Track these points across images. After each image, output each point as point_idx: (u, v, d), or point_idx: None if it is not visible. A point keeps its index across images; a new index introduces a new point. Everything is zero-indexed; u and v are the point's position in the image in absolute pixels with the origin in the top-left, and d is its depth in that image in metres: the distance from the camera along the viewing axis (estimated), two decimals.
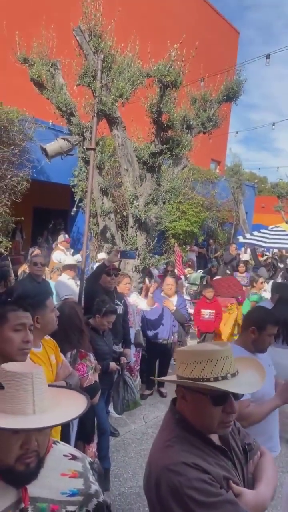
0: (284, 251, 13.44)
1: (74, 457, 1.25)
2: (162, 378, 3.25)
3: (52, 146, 5.06)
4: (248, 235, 11.03)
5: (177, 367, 1.34)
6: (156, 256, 7.89)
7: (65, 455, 1.24)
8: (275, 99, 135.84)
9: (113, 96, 5.55)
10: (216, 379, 1.22)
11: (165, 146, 5.61)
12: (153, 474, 1.21)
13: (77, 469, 1.21)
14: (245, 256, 13.28)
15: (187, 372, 1.25)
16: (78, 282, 4.95)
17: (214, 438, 1.32)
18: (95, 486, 1.21)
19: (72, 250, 8.65)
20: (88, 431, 2.97)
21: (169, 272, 7.23)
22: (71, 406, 1.18)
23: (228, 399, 1.25)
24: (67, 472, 1.19)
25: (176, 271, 7.98)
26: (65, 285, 5.18)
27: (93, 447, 3.01)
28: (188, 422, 1.28)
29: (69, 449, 1.30)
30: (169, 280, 5.37)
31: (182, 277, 8.13)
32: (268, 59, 5.76)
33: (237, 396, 1.28)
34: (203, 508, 1.10)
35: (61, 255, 7.37)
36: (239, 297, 6.92)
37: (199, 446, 1.24)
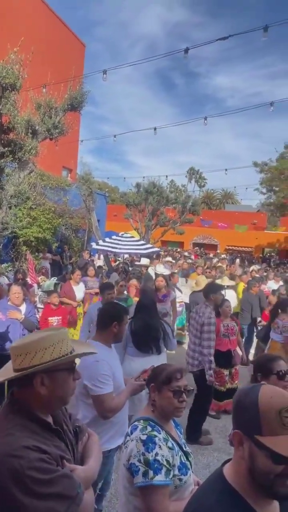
0: (134, 256, 14.45)
1: None
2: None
3: None
4: (100, 242, 11.43)
5: (19, 361, 1.39)
6: (5, 263, 7.47)
7: None
8: (123, 113, 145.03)
9: None
10: (70, 353, 1.46)
11: (6, 149, 5.41)
12: None
13: None
14: (99, 262, 13.74)
15: (44, 357, 1.38)
16: None
17: (50, 421, 1.45)
18: None
19: None
20: None
21: (19, 280, 6.95)
22: None
23: (75, 369, 1.51)
24: None
25: (28, 279, 7.72)
26: None
27: None
28: (29, 410, 1.37)
29: None
30: (15, 288, 5.14)
31: (35, 285, 7.92)
32: (105, 75, 6.14)
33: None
34: (43, 485, 1.18)
35: None
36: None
37: (38, 431, 1.34)
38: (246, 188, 64.04)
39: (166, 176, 19.08)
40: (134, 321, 3.92)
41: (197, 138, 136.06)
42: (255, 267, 12.99)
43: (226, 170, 18.19)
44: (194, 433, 4.36)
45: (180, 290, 8.66)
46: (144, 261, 10.45)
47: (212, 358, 4.28)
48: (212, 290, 4.66)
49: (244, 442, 1.09)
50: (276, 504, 1.13)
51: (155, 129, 11.78)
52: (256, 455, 1.06)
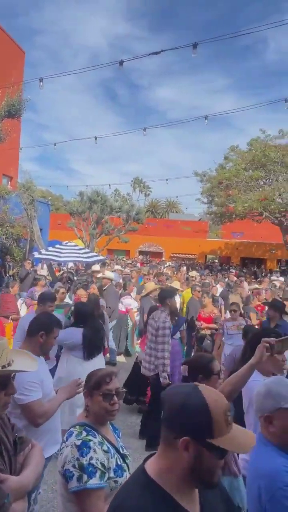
0: (80, 265, 14.28)
1: None
2: None
3: None
4: (43, 251, 11.17)
5: None
6: None
7: None
8: (66, 122, 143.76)
9: None
10: (8, 365, 1.50)
11: None
12: None
13: None
14: (43, 271, 13.39)
15: None
16: None
17: None
18: None
19: None
20: None
21: None
22: None
23: (9, 383, 1.55)
24: None
25: None
26: None
27: None
28: None
29: None
30: None
31: None
32: (41, 83, 6.11)
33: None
34: None
35: None
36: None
37: None
38: (187, 208, 66.20)
39: (109, 185, 19.18)
40: (87, 329, 4.04)
41: (142, 148, 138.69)
42: (192, 273, 13.45)
43: (167, 180, 18.65)
44: (155, 439, 4.43)
45: (134, 300, 8.71)
46: (95, 267, 10.38)
47: (166, 361, 4.38)
48: (168, 295, 4.79)
49: (191, 447, 1.09)
50: (196, 493, 1.20)
51: (95, 138, 11.85)
52: (205, 457, 1.09)
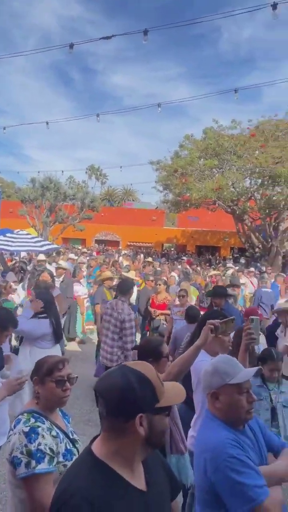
0: (33, 254, 13.89)
1: None
2: None
3: None
4: None
5: None
6: None
7: None
8: (17, 106, 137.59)
9: None
10: None
11: None
12: None
13: None
14: None
15: None
16: None
17: None
18: None
19: None
20: None
21: None
22: None
23: None
24: None
25: None
26: None
27: None
28: None
29: None
30: None
31: None
32: None
33: None
34: None
35: None
36: None
37: None
38: (142, 194, 66.32)
39: (62, 171, 18.69)
40: (52, 317, 4.15)
41: (96, 135, 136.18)
42: (149, 259, 13.64)
43: (121, 167, 18.50)
44: None
45: (83, 286, 8.70)
46: (41, 257, 10.17)
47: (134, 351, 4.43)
48: (129, 286, 4.89)
49: (144, 420, 1.14)
50: (141, 470, 1.24)
51: (47, 123, 11.47)
52: (155, 422, 1.17)
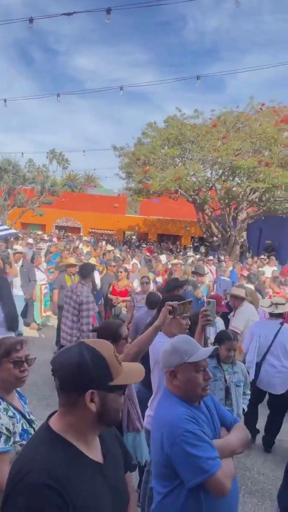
0: None
1: None
2: None
3: None
4: None
5: None
6: None
7: None
8: None
9: None
10: None
11: None
12: None
13: None
14: None
15: None
16: None
17: None
18: None
19: None
20: None
21: None
22: None
23: None
24: None
25: None
26: None
27: None
28: None
29: None
30: None
31: None
32: None
33: None
34: None
35: None
36: None
37: None
38: (106, 177, 65.54)
39: (22, 154, 18.02)
40: (6, 304, 4.06)
41: (58, 118, 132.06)
42: (109, 247, 13.65)
43: (84, 151, 18.14)
44: None
45: (42, 271, 8.54)
46: None
47: (92, 334, 4.42)
48: (90, 270, 5.02)
49: (96, 396, 1.17)
50: (98, 444, 1.28)
51: (5, 100, 10.96)
52: (110, 399, 1.19)
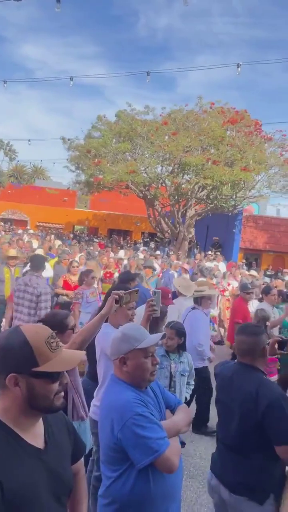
0: None
1: None
2: None
3: None
4: None
5: None
6: None
7: None
8: None
9: None
10: None
11: None
12: None
13: None
14: None
15: None
16: None
17: None
18: None
19: None
20: None
21: None
22: None
23: None
24: None
25: None
26: None
27: None
28: None
29: None
30: None
31: None
32: None
33: None
34: None
35: None
36: None
37: None
38: (54, 163, 63.71)
39: None
40: None
41: (5, 107, 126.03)
42: (57, 242, 13.51)
43: (29, 140, 17.49)
44: None
45: None
46: None
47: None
48: (42, 261, 5.01)
49: (20, 380, 1.18)
50: (40, 429, 1.29)
51: None
52: (35, 385, 1.19)
